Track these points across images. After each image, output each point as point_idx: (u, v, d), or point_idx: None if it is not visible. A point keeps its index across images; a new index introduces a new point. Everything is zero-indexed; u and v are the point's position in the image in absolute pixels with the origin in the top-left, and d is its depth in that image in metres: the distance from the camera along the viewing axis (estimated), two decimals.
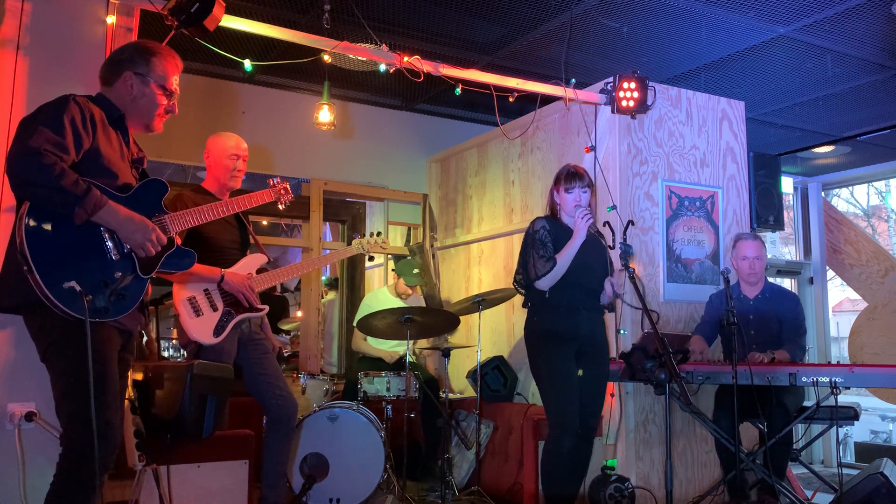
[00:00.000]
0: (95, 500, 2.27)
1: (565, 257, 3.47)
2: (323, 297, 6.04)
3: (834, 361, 5.42)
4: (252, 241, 3.63)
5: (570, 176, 3.58)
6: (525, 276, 3.56)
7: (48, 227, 2.25)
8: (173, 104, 2.61)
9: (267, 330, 3.71)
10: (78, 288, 2.20)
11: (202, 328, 3.29)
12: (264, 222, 6.71)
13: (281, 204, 3.34)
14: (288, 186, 3.36)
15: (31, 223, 2.23)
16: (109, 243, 2.35)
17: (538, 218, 3.64)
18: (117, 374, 2.36)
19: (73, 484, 2.19)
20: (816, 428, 4.34)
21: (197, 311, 3.30)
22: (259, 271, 3.53)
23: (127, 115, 2.53)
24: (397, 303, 4.99)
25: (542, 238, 3.51)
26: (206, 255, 3.35)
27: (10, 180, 2.23)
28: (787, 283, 7.27)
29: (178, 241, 2.59)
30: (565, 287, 3.48)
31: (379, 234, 4.07)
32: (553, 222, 3.59)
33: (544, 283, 3.47)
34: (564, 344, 3.47)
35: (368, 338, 4.94)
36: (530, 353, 3.57)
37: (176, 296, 3.31)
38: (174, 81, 2.58)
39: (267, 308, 3.48)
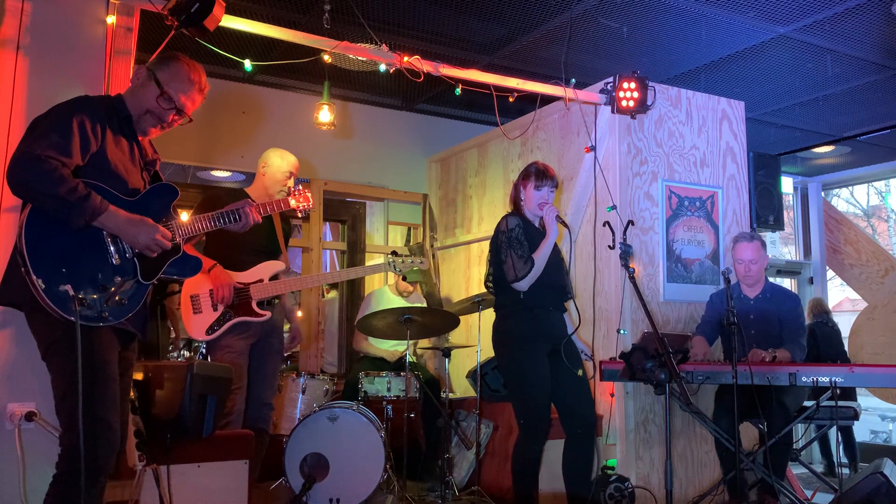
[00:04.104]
0: (94, 500, 2.27)
1: (541, 256, 3.44)
2: (323, 296, 6.05)
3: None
4: (281, 247, 3.73)
5: (543, 174, 3.56)
6: (500, 277, 3.51)
7: (50, 229, 2.25)
8: (169, 115, 2.49)
9: (292, 317, 3.97)
10: (71, 292, 2.20)
11: (197, 325, 3.47)
12: None
13: (300, 212, 3.36)
14: (309, 195, 3.37)
15: (33, 224, 2.24)
16: (112, 248, 2.35)
17: (510, 216, 3.56)
18: (117, 375, 2.35)
19: (73, 485, 2.19)
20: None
21: (196, 309, 3.45)
22: (274, 277, 3.63)
23: (133, 115, 2.50)
24: (399, 301, 4.99)
25: (519, 236, 3.45)
26: (225, 253, 3.47)
27: (8, 184, 2.23)
28: (787, 284, 7.27)
29: (185, 247, 2.57)
30: (538, 287, 3.46)
31: (420, 261, 4.01)
32: (522, 219, 3.57)
33: (525, 284, 3.42)
34: (539, 346, 3.45)
35: (370, 337, 4.94)
36: (503, 356, 3.54)
37: (184, 290, 3.49)
38: (180, 96, 2.48)
39: (269, 314, 3.54)
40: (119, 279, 2.35)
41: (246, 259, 3.58)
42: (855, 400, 5.74)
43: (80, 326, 2.18)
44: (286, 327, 4.01)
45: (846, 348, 6.65)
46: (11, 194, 2.30)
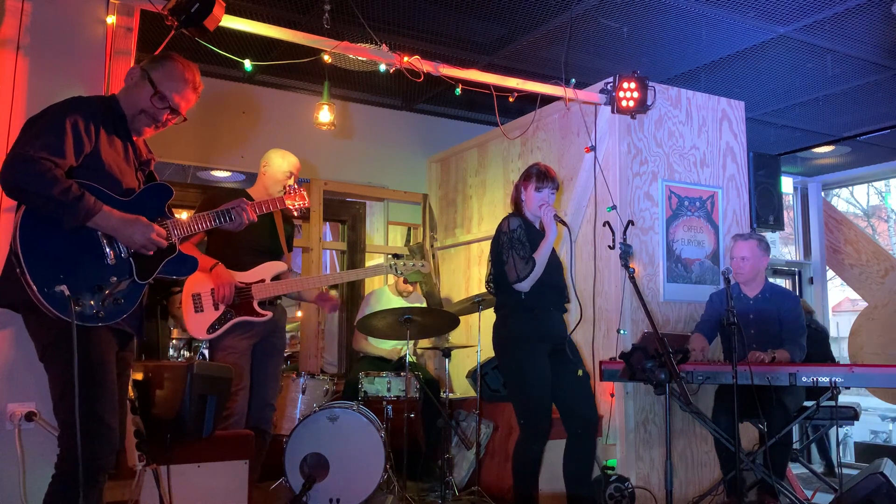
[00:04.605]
0: (94, 500, 2.27)
1: (542, 256, 3.45)
2: None
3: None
4: (283, 247, 3.73)
5: (544, 175, 3.56)
6: (500, 278, 3.51)
7: (44, 229, 2.25)
8: (163, 115, 2.49)
9: (313, 295, 3.93)
10: (67, 292, 2.20)
11: (198, 324, 3.49)
12: None
13: (296, 210, 3.35)
14: (304, 193, 3.38)
15: (27, 225, 2.24)
16: (107, 248, 2.34)
17: (511, 217, 3.56)
18: (115, 375, 2.35)
19: (72, 484, 2.19)
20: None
21: (197, 308, 3.47)
22: (276, 278, 3.64)
23: (128, 115, 2.51)
24: (399, 301, 4.99)
25: (520, 237, 3.45)
26: (226, 253, 3.50)
27: (2, 185, 2.24)
28: (786, 284, 7.27)
29: (183, 246, 2.57)
30: (539, 287, 3.46)
31: (422, 264, 3.98)
32: (523, 220, 3.57)
33: (526, 285, 3.42)
34: (539, 346, 3.46)
35: (370, 337, 4.94)
36: (504, 356, 3.55)
37: (185, 289, 3.50)
38: (174, 95, 2.48)
39: (270, 314, 3.56)
40: (115, 279, 2.34)
41: (248, 259, 3.60)
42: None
43: (77, 327, 2.18)
44: (297, 320, 3.99)
45: (844, 347, 6.65)
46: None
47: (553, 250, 3.57)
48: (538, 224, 3.61)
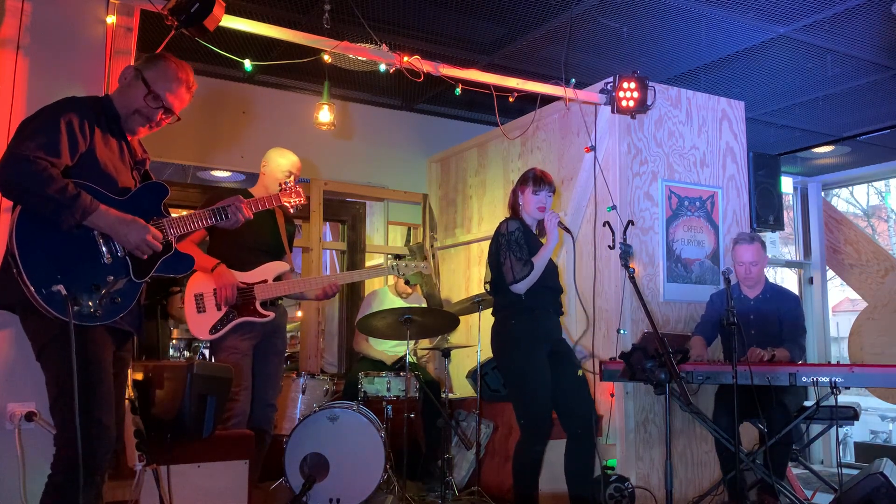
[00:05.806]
0: (90, 500, 2.27)
1: (541, 260, 3.48)
2: None
3: (834, 361, 5.42)
4: (285, 247, 3.73)
5: (540, 179, 3.61)
6: (499, 280, 3.53)
7: (40, 229, 2.25)
8: (157, 115, 2.49)
9: (315, 293, 3.82)
10: (64, 292, 2.20)
11: (201, 324, 3.48)
12: None
13: (292, 207, 3.34)
14: (300, 190, 3.37)
15: (24, 225, 2.24)
16: (104, 247, 2.34)
17: (509, 220, 3.60)
18: (111, 375, 2.35)
19: (69, 484, 2.19)
20: (816, 428, 4.35)
21: (200, 308, 3.48)
22: (278, 278, 3.64)
23: (122, 115, 2.50)
24: (398, 302, 4.99)
25: (518, 239, 3.49)
26: (228, 252, 3.49)
27: None
28: (788, 279, 7.26)
29: (178, 245, 2.57)
30: (538, 289, 3.49)
31: (424, 265, 3.96)
32: (522, 223, 3.60)
33: (522, 287, 3.45)
34: (539, 347, 3.48)
35: (370, 338, 4.94)
36: (504, 357, 3.57)
37: (188, 289, 3.49)
38: (168, 94, 2.48)
39: (272, 315, 3.57)
40: (111, 278, 2.35)
41: (250, 258, 3.59)
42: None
43: (74, 326, 2.18)
44: (297, 320, 3.97)
45: (844, 347, 6.64)
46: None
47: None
48: (535, 227, 3.65)
